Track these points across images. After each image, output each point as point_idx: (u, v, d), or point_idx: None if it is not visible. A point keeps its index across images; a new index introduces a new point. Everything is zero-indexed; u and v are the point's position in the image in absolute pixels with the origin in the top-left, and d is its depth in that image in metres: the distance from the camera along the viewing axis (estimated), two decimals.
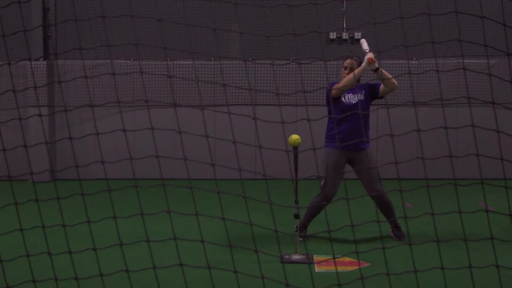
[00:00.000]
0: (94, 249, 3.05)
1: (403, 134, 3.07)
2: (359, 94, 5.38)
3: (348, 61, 5.43)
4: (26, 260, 3.20)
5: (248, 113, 9.48)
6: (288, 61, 9.72)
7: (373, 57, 5.14)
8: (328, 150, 5.41)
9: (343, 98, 5.36)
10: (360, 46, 5.37)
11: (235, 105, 10.03)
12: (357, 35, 10.16)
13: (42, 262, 3.81)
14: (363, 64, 5.20)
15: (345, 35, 10.22)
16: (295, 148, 5.01)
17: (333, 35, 10.23)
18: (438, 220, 5.98)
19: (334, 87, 5.32)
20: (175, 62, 10.06)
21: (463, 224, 3.09)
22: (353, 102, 5.34)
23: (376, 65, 5.17)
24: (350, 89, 5.38)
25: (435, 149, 9.22)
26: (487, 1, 9.57)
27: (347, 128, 5.32)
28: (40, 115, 2.98)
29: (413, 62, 9.98)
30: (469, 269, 2.95)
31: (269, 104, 10.10)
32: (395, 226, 5.54)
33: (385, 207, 5.38)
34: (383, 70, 5.22)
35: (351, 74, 5.25)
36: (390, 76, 5.28)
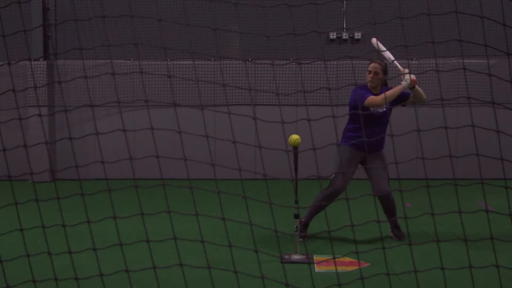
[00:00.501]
0: (94, 249, 3.05)
1: (403, 134, 3.07)
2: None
3: (372, 65, 5.33)
4: (26, 260, 3.20)
5: (248, 113, 9.48)
6: (288, 61, 9.72)
7: (415, 78, 5.05)
8: (344, 147, 5.40)
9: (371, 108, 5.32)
10: (374, 46, 5.23)
11: (235, 105, 10.03)
12: (357, 35, 10.15)
13: (42, 262, 3.81)
14: (404, 83, 5.09)
15: (345, 35, 10.21)
16: (295, 148, 5.01)
17: (333, 35, 10.22)
18: (438, 220, 5.97)
19: (371, 101, 5.18)
20: (175, 62, 10.06)
21: (463, 224, 3.09)
22: (381, 111, 5.27)
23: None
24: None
25: (435, 149, 9.22)
26: (487, 1, 9.57)
27: (368, 132, 5.26)
28: (40, 115, 2.98)
29: (413, 62, 9.98)
30: (469, 269, 2.95)
31: (269, 104, 10.09)
32: (395, 226, 5.54)
33: (389, 206, 5.38)
34: (418, 87, 5.18)
35: (392, 93, 5.17)
36: (423, 93, 5.25)
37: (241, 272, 3.12)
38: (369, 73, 5.33)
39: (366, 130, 5.26)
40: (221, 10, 10.10)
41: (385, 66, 5.36)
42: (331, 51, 10.24)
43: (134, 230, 4.90)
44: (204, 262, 3.24)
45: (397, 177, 2.82)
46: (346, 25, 10.15)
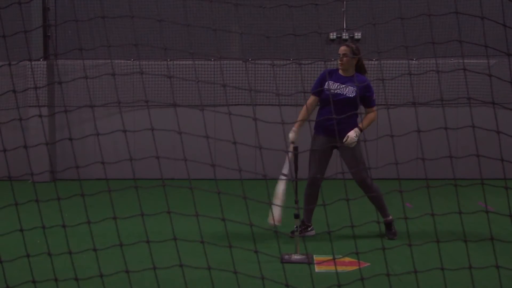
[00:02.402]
0: (94, 250, 3.05)
1: (403, 134, 3.07)
2: (348, 88, 5.37)
3: (341, 47, 5.44)
4: (26, 260, 3.20)
5: (248, 113, 9.47)
6: (288, 61, 9.71)
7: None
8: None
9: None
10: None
11: (235, 105, 10.02)
12: (357, 35, 10.14)
13: (42, 263, 3.81)
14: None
15: (345, 35, 10.20)
16: (295, 148, 5.01)
17: (333, 35, 10.21)
18: (438, 220, 5.97)
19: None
20: (175, 62, 10.05)
21: (463, 224, 3.09)
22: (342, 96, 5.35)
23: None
24: (340, 79, 5.40)
25: (435, 149, 9.21)
26: (487, 1, 9.57)
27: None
28: (40, 116, 2.98)
29: (413, 62, 9.97)
30: (469, 269, 2.95)
31: (269, 104, 10.08)
32: (386, 225, 5.57)
33: (373, 197, 5.47)
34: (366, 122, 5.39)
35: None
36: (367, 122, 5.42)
37: (241, 272, 3.12)
38: (339, 56, 5.46)
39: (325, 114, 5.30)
40: (221, 10, 10.09)
41: (356, 49, 5.41)
42: (331, 51, 10.23)
43: (134, 231, 4.90)
44: (204, 263, 3.24)
45: (397, 177, 2.82)
46: (346, 25, 10.14)
